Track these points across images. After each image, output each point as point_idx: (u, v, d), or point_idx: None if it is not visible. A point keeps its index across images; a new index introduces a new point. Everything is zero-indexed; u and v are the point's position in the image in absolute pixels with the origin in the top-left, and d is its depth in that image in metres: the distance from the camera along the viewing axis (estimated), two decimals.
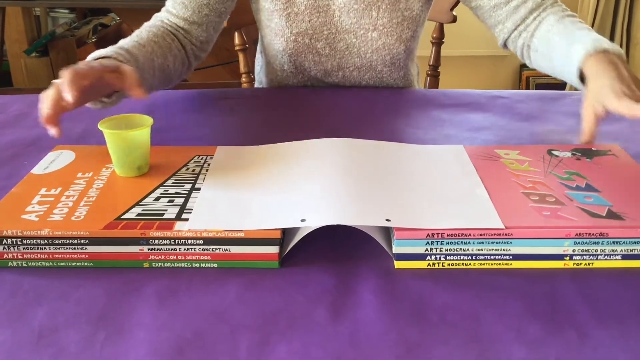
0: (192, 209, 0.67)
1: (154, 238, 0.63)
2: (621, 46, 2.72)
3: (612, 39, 2.75)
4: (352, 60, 1.15)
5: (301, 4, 1.09)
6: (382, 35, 1.11)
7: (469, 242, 0.63)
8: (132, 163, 0.74)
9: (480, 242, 0.63)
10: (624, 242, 0.64)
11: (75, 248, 0.63)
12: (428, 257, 0.64)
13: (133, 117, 0.77)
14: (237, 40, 1.49)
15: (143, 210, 0.67)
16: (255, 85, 1.37)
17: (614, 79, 0.76)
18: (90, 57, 0.87)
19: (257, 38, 1.27)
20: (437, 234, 0.63)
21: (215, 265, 0.64)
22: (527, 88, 3.03)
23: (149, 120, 0.76)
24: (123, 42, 0.96)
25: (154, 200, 0.69)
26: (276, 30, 1.12)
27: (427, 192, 0.70)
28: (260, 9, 1.13)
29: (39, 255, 0.64)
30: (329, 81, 1.18)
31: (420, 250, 0.64)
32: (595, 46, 0.84)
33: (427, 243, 0.63)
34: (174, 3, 1.08)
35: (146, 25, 1.06)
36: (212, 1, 1.07)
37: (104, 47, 0.92)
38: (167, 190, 0.71)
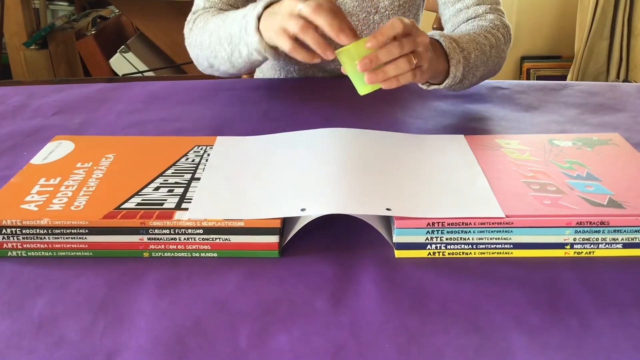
0: (191, 199, 0.67)
1: (154, 227, 0.63)
2: (622, 37, 2.71)
3: (613, 30, 2.74)
4: None
5: None
6: (383, 18, 1.12)
7: (470, 231, 0.63)
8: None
9: (480, 231, 0.63)
10: (624, 231, 0.63)
11: (74, 238, 0.63)
12: (428, 246, 0.64)
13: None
14: None
15: (143, 199, 0.66)
16: (256, 74, 1.36)
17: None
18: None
19: None
20: (438, 223, 0.63)
21: (215, 254, 0.64)
22: (528, 79, 3.02)
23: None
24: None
25: (153, 190, 0.68)
26: None
27: (427, 182, 0.70)
28: None
29: (38, 245, 0.64)
30: (330, 68, 1.18)
31: (420, 239, 0.63)
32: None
33: (428, 232, 0.63)
34: None
35: (211, 15, 1.02)
36: None
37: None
38: (167, 180, 0.71)
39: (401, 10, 1.13)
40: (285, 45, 0.81)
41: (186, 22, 1.09)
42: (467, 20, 1.07)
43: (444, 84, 0.92)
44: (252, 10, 0.88)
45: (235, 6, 1.08)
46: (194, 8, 1.09)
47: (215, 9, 1.07)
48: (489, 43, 0.98)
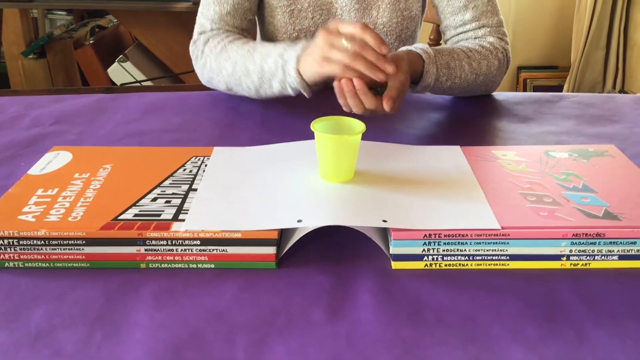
0: (189, 210, 0.67)
1: (151, 239, 0.63)
2: (618, 48, 2.73)
3: (609, 40, 2.76)
4: None
5: (304, 1, 1.09)
6: (381, 34, 1.13)
7: (466, 243, 0.63)
8: (342, 168, 0.72)
9: (477, 243, 0.63)
10: (620, 243, 0.64)
11: (72, 249, 0.63)
12: (425, 258, 0.64)
13: (343, 120, 0.75)
14: None
15: (140, 211, 0.66)
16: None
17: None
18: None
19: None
20: (434, 234, 0.63)
21: (212, 265, 0.64)
22: (525, 89, 3.03)
23: (360, 125, 0.74)
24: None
25: (151, 201, 0.69)
26: (278, 27, 1.12)
27: (423, 193, 0.70)
28: (263, 5, 1.14)
29: (35, 256, 0.64)
30: (328, 81, 1.18)
31: (417, 250, 0.64)
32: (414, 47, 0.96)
33: (425, 244, 0.63)
34: (217, 19, 1.07)
35: (228, 42, 1.03)
36: (252, 3, 1.10)
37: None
38: (164, 191, 0.71)
39: (399, 27, 1.13)
40: (337, 69, 0.83)
41: (192, 42, 1.09)
42: (466, 40, 1.08)
43: (419, 84, 0.96)
44: (291, 49, 0.92)
45: (240, 27, 1.09)
46: (198, 28, 1.10)
47: (223, 30, 1.07)
48: (475, 71, 1.01)
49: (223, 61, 1.01)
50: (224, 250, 0.64)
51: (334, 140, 0.70)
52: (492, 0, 1.07)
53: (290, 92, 0.95)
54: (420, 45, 0.96)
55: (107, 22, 3.05)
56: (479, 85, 1.04)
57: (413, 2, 1.12)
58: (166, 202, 0.68)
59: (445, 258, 0.64)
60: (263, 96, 1.00)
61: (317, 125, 0.73)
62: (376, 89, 0.87)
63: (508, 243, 0.63)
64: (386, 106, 0.83)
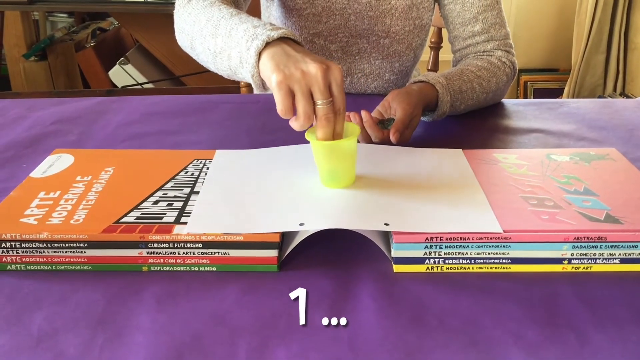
0: (191, 213, 0.67)
1: (153, 242, 0.63)
2: (618, 51, 2.73)
3: (609, 43, 2.76)
4: (361, 66, 1.15)
5: (319, 5, 1.09)
6: (393, 42, 1.13)
7: (468, 246, 0.63)
8: (341, 174, 0.71)
9: (478, 246, 0.63)
10: (622, 246, 0.64)
11: (74, 252, 0.63)
12: (427, 261, 0.64)
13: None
14: None
15: (142, 213, 0.66)
16: (255, 90, 1.37)
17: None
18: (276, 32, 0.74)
19: None
20: (436, 237, 0.63)
21: (214, 268, 0.64)
22: (525, 92, 3.04)
23: (356, 128, 0.73)
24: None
25: (152, 203, 0.69)
26: (292, 30, 1.12)
27: (425, 196, 0.70)
28: (275, 7, 1.13)
29: (37, 259, 0.64)
30: None
31: (419, 254, 0.64)
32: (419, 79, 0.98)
33: (426, 247, 0.63)
34: None
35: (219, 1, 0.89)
36: None
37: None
38: (166, 194, 0.71)
39: (411, 35, 1.14)
40: (286, 108, 0.71)
41: None
42: (474, 53, 1.09)
43: (436, 112, 0.97)
44: (267, 28, 0.75)
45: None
46: None
47: None
48: (486, 90, 1.02)
49: (203, 12, 0.87)
50: (225, 253, 0.64)
51: (329, 147, 0.69)
52: (500, 13, 1.08)
53: (243, 74, 0.78)
54: (432, 75, 0.97)
55: (108, 24, 3.05)
56: (489, 101, 1.06)
57: (424, 11, 1.13)
58: (168, 205, 0.68)
59: (446, 261, 0.64)
60: (218, 67, 0.84)
61: (312, 134, 0.71)
62: (383, 122, 0.89)
63: (509, 246, 0.63)
64: (393, 139, 0.85)
